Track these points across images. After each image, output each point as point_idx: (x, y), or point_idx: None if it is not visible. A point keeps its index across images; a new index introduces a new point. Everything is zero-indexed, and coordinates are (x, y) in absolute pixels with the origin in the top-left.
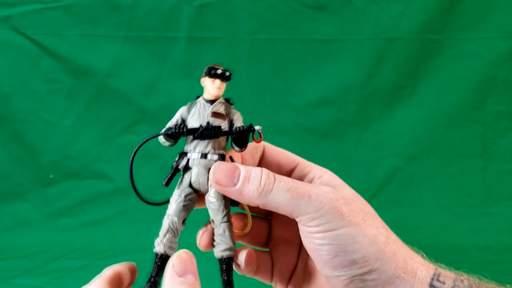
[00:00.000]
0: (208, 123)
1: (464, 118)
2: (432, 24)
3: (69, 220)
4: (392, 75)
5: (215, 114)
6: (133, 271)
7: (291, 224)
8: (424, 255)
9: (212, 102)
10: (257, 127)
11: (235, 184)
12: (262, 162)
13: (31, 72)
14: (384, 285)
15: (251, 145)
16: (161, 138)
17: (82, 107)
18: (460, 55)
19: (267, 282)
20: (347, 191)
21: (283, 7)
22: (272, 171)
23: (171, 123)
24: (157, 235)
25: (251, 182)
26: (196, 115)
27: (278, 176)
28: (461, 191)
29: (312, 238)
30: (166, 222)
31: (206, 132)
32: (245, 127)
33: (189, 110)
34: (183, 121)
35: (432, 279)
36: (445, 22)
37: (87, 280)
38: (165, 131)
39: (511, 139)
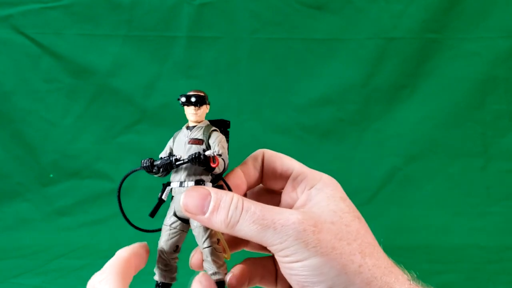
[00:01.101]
0: (170, 154)
1: (464, 117)
2: (432, 23)
3: (69, 219)
4: (392, 75)
5: (193, 141)
6: (144, 252)
7: None
8: (410, 276)
9: (193, 128)
10: (207, 153)
11: (204, 213)
12: (262, 170)
13: (31, 72)
14: None
15: (251, 155)
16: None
17: (82, 107)
18: (460, 55)
19: None
20: (332, 207)
21: (283, 6)
22: (268, 178)
23: (161, 154)
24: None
25: (219, 212)
26: (176, 144)
27: (246, 205)
28: (461, 191)
29: (284, 267)
30: (158, 252)
31: (162, 165)
32: (193, 155)
33: (173, 140)
34: (172, 151)
35: None
36: (445, 21)
37: (88, 279)
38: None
39: (511, 138)
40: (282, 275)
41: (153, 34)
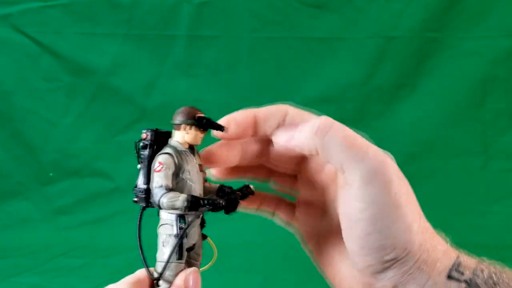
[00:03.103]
0: (228, 192)
1: (464, 116)
2: (432, 22)
3: (69, 218)
4: (392, 74)
5: (201, 167)
6: None
7: (318, 187)
8: (448, 239)
9: (194, 150)
10: (252, 187)
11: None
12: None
13: (31, 71)
14: (403, 274)
15: (268, 114)
16: (181, 208)
17: (82, 106)
18: (460, 54)
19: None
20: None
21: (283, 5)
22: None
23: (160, 180)
24: None
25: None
26: (190, 170)
27: (336, 123)
28: (460, 189)
29: (352, 207)
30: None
31: (232, 205)
32: (245, 189)
33: (178, 162)
34: (177, 175)
35: (451, 269)
36: (445, 20)
37: (87, 278)
38: (188, 203)
39: (511, 137)
40: (303, 228)
41: (153, 33)
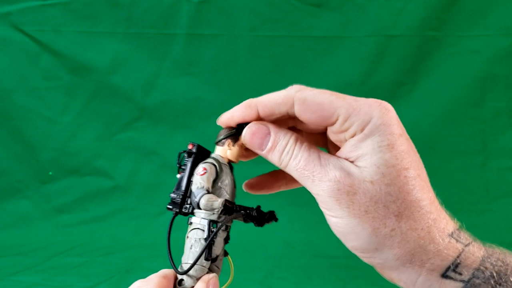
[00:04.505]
0: (259, 208)
1: (464, 114)
2: (431, 21)
3: (68, 216)
4: (391, 72)
5: (234, 183)
6: None
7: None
8: (453, 235)
9: (229, 166)
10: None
11: (262, 150)
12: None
13: (30, 69)
14: (389, 269)
15: (274, 102)
16: (218, 208)
17: (82, 104)
18: (460, 52)
19: None
20: (376, 161)
21: (283, 4)
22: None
23: (202, 182)
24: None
25: (274, 154)
26: (227, 183)
27: (295, 153)
28: (460, 188)
29: (324, 213)
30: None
31: (262, 218)
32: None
33: (219, 171)
34: (223, 186)
35: (447, 269)
36: (445, 19)
37: (87, 277)
38: (224, 206)
39: (510, 135)
40: None
41: (152, 31)
